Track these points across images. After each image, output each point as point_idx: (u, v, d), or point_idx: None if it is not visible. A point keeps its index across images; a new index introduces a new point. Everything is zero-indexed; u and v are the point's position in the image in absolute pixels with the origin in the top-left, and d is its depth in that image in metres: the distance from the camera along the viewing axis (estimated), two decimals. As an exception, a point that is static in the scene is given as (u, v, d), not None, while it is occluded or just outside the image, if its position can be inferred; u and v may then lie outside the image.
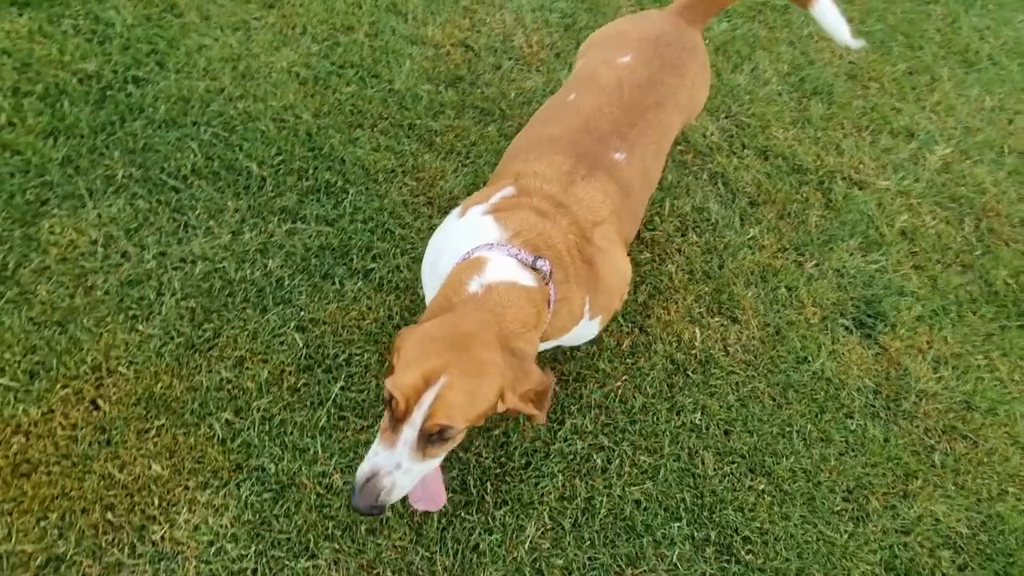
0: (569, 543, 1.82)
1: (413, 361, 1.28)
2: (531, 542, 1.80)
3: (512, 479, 1.87)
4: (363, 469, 1.34)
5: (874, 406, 2.19)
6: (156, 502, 1.71)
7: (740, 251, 2.43)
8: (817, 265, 2.46)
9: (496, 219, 1.55)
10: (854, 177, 2.74)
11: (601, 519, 1.86)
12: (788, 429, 2.10)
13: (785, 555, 1.91)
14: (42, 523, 1.65)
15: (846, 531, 1.98)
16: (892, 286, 2.45)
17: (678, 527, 1.89)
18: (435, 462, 1.41)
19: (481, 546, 1.77)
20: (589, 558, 1.81)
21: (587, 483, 1.90)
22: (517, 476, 1.88)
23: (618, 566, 1.82)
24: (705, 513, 1.93)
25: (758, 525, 1.94)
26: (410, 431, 1.29)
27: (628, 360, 2.12)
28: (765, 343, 2.25)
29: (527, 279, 1.46)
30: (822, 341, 2.28)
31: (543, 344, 1.62)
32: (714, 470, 1.99)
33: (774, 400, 2.15)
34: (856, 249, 2.53)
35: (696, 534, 1.89)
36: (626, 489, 1.92)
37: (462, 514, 1.80)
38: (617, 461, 1.96)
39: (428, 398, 1.26)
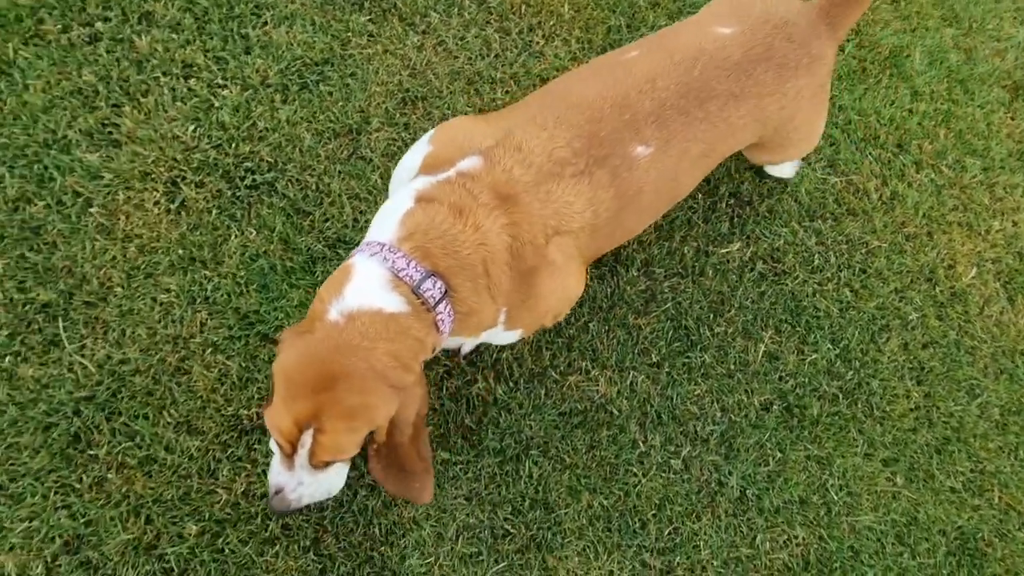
0: (746, 279, 2.09)
1: (284, 401, 1.21)
2: (726, 254, 2.11)
3: (754, 217, 2.17)
4: (271, 479, 1.34)
5: (1068, 456, 2.10)
6: None
7: (1067, 273, 2.35)
8: None
9: (409, 210, 1.33)
10: None
11: (779, 287, 2.10)
12: (976, 393, 2.11)
13: (886, 444, 2.01)
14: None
15: (951, 486, 2.00)
16: None
17: (828, 348, 2.07)
18: (344, 467, 1.37)
19: (677, 219, 2.13)
20: (752, 301, 2.08)
21: (795, 262, 2.14)
22: (754, 217, 2.17)
23: (763, 321, 2.06)
24: (856, 364, 2.07)
25: (885, 408, 2.04)
26: (301, 461, 1.26)
27: (898, 239, 2.24)
28: (1020, 337, 2.21)
29: (395, 303, 1.25)
30: (1072, 381, 2.19)
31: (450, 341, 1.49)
32: (889, 355, 2.10)
33: (985, 369, 2.15)
34: None
35: (835, 364, 2.06)
36: (815, 295, 2.12)
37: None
38: (826, 276, 2.15)
39: (307, 440, 1.22)
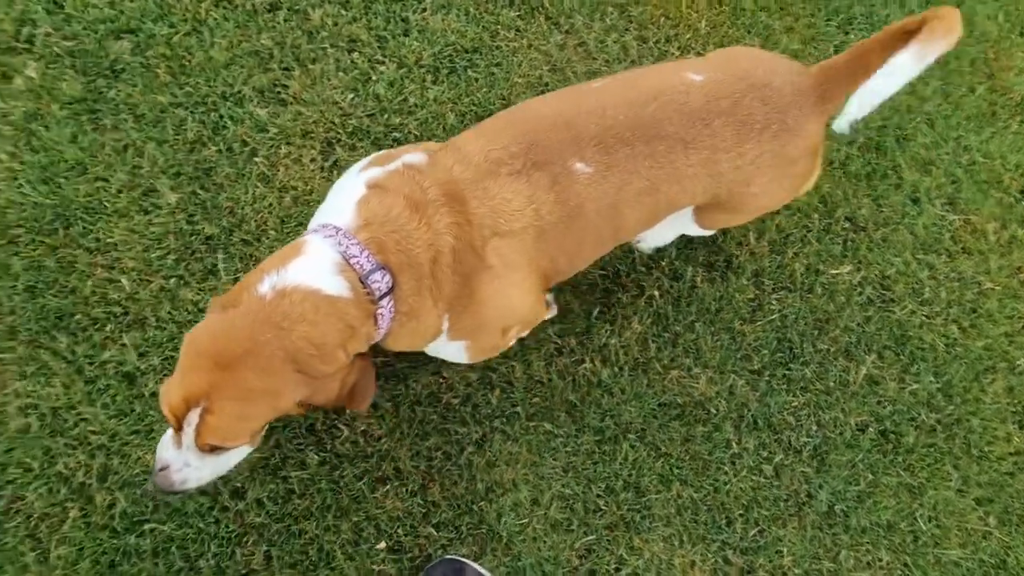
0: (854, 301, 2.12)
1: (180, 372, 1.17)
2: (836, 275, 2.14)
3: (867, 243, 2.20)
4: (158, 453, 1.28)
5: None
6: None
7: None
8: None
9: (363, 196, 1.33)
10: None
11: (886, 314, 2.12)
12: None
13: (982, 484, 2.00)
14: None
15: (1045, 534, 1.98)
16: None
17: (930, 380, 2.07)
18: (238, 453, 1.32)
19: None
20: (857, 323, 2.11)
21: (905, 292, 2.15)
22: (867, 243, 2.20)
23: (866, 344, 2.08)
24: (957, 400, 2.07)
25: (984, 448, 2.03)
26: (187, 441, 1.20)
27: (1013, 284, 2.22)
28: None
29: (338, 287, 1.21)
30: None
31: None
32: (992, 396, 2.09)
33: (1092, 424, 2.12)
34: None
35: (936, 397, 2.06)
36: (921, 327, 2.13)
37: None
38: (935, 310, 2.15)
39: (193, 418, 1.16)
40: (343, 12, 2.18)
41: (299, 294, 1.18)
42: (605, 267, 2.05)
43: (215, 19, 2.10)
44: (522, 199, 1.35)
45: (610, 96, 1.43)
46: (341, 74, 2.12)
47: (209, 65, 2.06)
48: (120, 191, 1.92)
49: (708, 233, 1.96)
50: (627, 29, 2.34)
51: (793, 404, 2.00)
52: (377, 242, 1.26)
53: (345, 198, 1.34)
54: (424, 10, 2.23)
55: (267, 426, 1.26)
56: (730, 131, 1.42)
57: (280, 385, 1.16)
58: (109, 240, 1.88)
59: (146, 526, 1.69)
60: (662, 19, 2.37)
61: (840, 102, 1.49)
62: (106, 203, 1.90)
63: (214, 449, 1.22)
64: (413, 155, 1.38)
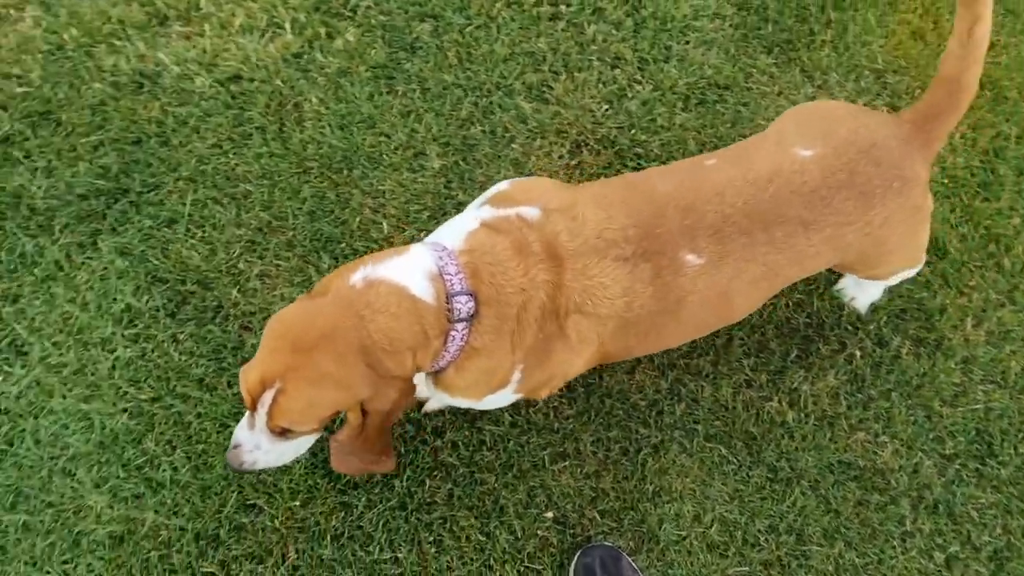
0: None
1: (260, 353, 1.20)
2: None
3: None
4: (235, 431, 1.32)
5: None
6: None
7: None
8: None
9: (474, 229, 1.36)
10: None
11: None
12: None
13: None
14: (891, 60, 2.44)
15: None
16: None
17: None
18: (306, 441, 1.36)
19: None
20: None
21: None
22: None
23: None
24: None
25: None
26: (260, 423, 1.24)
27: None
28: None
29: (423, 291, 1.24)
30: None
31: (438, 396, 1.46)
32: None
33: None
34: None
35: None
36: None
37: None
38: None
39: (267, 399, 1.19)
40: (614, 32, 2.37)
41: (386, 286, 1.22)
42: (810, 316, 2.09)
43: (504, 18, 2.36)
44: (619, 288, 1.34)
45: (726, 179, 1.42)
46: (601, 86, 2.31)
47: (491, 57, 2.32)
48: (397, 148, 2.21)
49: None
50: (879, 94, 2.37)
51: (980, 500, 1.94)
52: (472, 267, 1.29)
53: (459, 226, 1.40)
54: (688, 42, 2.38)
55: (334, 418, 1.30)
56: (852, 204, 1.41)
57: (350, 376, 1.19)
58: (380, 188, 2.16)
59: (358, 436, 1.93)
60: (917, 91, 2.37)
61: (944, 139, 1.53)
62: (384, 156, 2.20)
63: (284, 432, 1.26)
64: (528, 208, 1.39)
